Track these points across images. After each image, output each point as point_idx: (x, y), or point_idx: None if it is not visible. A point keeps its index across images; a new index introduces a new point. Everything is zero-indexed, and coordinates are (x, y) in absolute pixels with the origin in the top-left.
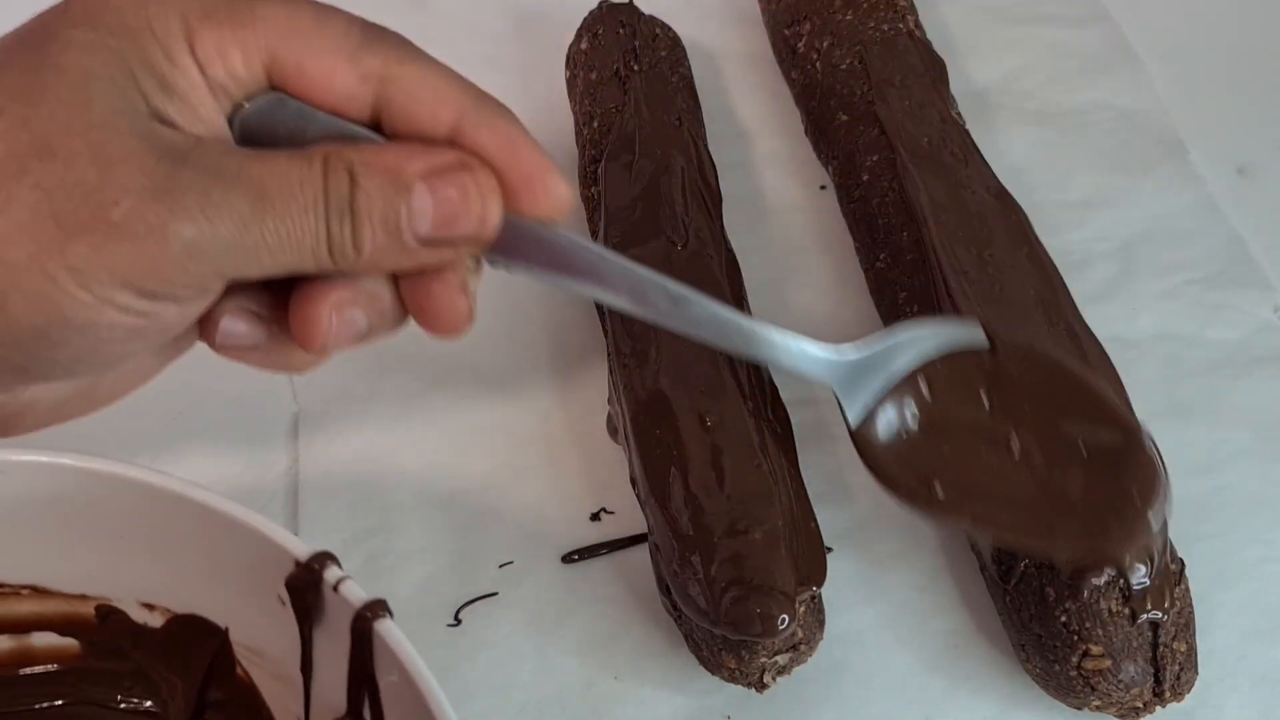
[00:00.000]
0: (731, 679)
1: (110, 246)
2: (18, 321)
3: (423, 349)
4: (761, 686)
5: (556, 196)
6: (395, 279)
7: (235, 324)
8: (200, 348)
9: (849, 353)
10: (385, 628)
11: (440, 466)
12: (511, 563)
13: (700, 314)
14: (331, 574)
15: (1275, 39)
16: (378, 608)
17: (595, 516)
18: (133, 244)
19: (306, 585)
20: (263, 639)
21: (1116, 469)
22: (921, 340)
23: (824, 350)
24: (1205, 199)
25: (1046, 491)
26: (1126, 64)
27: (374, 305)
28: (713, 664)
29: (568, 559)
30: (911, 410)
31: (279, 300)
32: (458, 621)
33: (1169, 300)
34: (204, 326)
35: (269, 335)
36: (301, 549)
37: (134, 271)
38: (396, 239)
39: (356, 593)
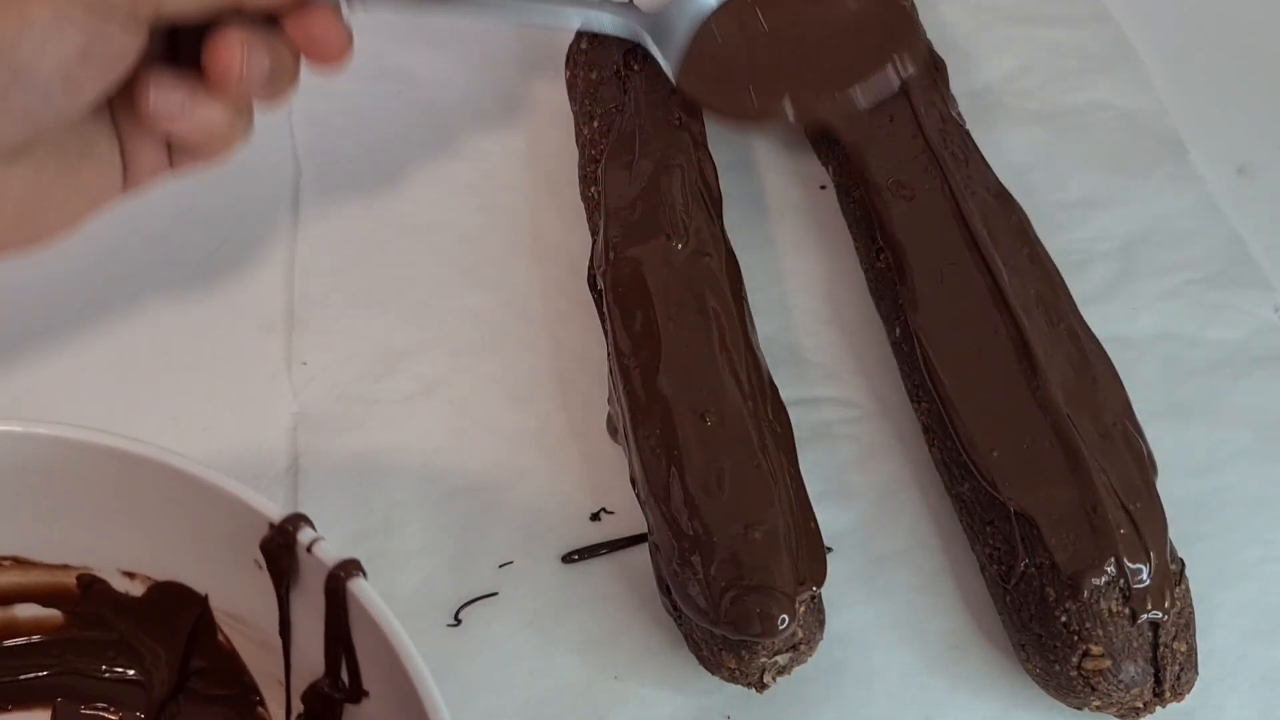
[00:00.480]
0: (731, 679)
1: None
2: None
3: (423, 349)
4: (761, 686)
5: None
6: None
7: (162, 92)
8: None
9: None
10: (358, 586)
11: (440, 466)
12: (511, 563)
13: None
14: (305, 535)
15: (1275, 39)
16: (350, 567)
17: (595, 516)
18: None
19: (281, 547)
20: (242, 604)
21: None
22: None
23: (630, 10)
24: (1205, 199)
25: (837, 54)
26: (1126, 64)
27: (272, 48)
28: (713, 664)
29: (568, 559)
30: (714, 44)
31: (194, 74)
32: (458, 621)
33: (1169, 300)
34: (137, 104)
35: (192, 97)
36: (275, 511)
37: None
38: None
39: (329, 553)
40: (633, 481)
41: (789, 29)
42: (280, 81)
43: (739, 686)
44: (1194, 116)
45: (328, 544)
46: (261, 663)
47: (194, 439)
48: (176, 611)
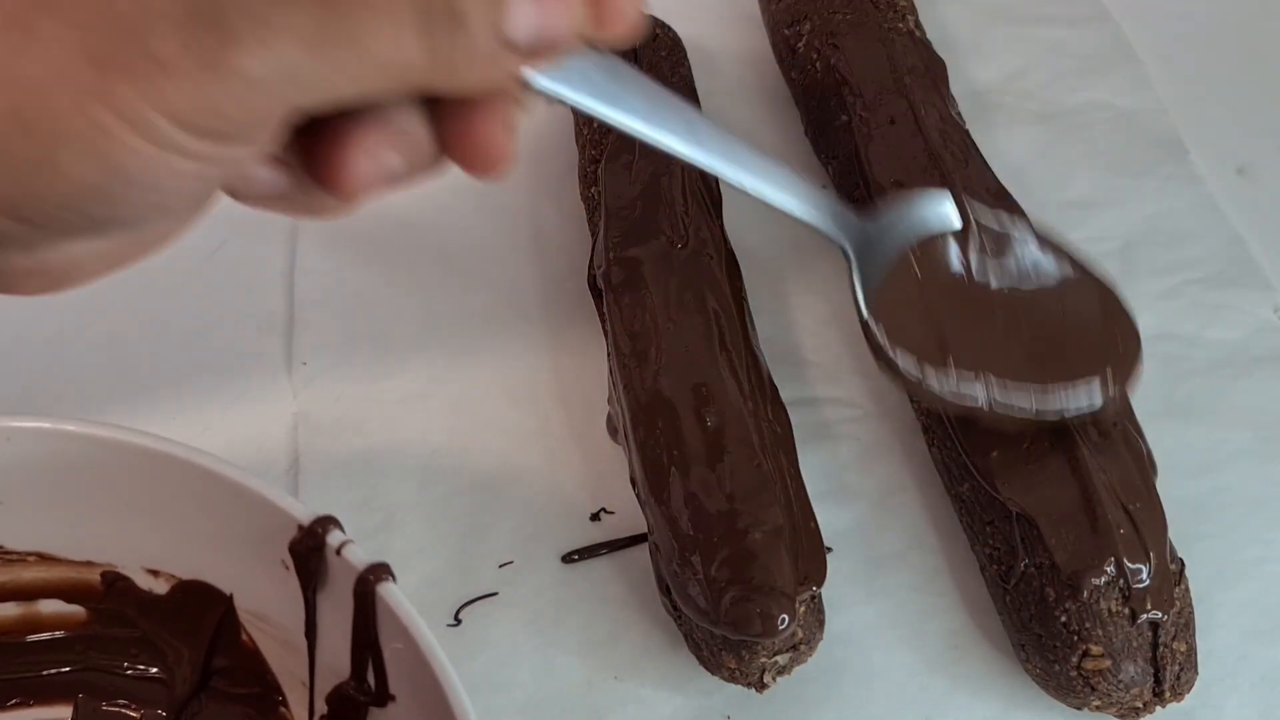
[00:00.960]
0: (731, 679)
1: (159, 85)
2: (70, 180)
3: (423, 349)
4: (761, 686)
5: (630, 16)
6: (432, 115)
7: (260, 170)
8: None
9: (863, 217)
10: (387, 591)
11: (440, 466)
12: (511, 563)
13: (746, 159)
14: (334, 538)
15: (1275, 39)
16: (380, 571)
17: (595, 516)
18: (184, 80)
19: (309, 549)
20: (267, 604)
21: (1099, 323)
22: (908, 217)
23: (846, 207)
24: (1205, 199)
25: (1040, 348)
26: (1126, 64)
27: (408, 144)
28: (713, 664)
29: (568, 559)
30: (907, 287)
31: (303, 144)
32: (458, 621)
33: (1169, 300)
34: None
35: (294, 182)
36: (304, 513)
37: (189, 111)
38: (498, 46)
39: (359, 556)
40: (633, 481)
41: (1000, 293)
42: (411, 180)
43: (739, 686)
44: (1194, 116)
45: (357, 547)
46: (285, 663)
47: (194, 439)
48: (200, 610)
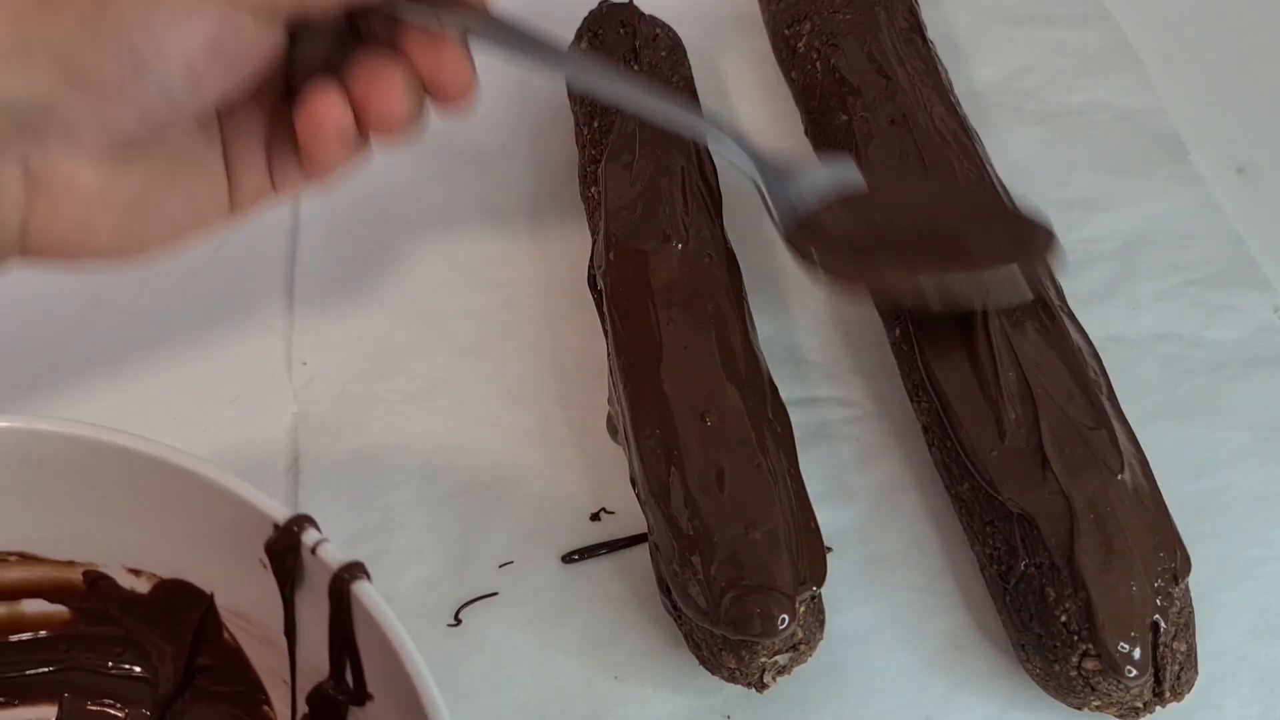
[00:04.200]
0: (731, 679)
1: None
2: (122, 14)
3: (423, 349)
4: (761, 686)
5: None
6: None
7: (324, 102)
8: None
9: (779, 158)
10: (362, 589)
11: (440, 466)
12: (511, 563)
13: (654, 106)
14: (310, 537)
15: (1275, 39)
16: (355, 569)
17: (595, 516)
18: None
19: (285, 548)
20: (247, 603)
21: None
22: (820, 173)
23: (760, 147)
24: (1205, 199)
25: (964, 238)
26: (1126, 64)
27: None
28: (713, 664)
29: (568, 559)
30: (829, 217)
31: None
32: (458, 621)
33: (1169, 300)
34: (298, 114)
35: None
36: (280, 512)
37: None
38: None
39: (334, 555)
40: (633, 481)
41: (919, 217)
42: (412, 118)
43: (739, 686)
44: (1194, 116)
45: (332, 546)
46: (267, 661)
47: (194, 439)
48: (182, 609)
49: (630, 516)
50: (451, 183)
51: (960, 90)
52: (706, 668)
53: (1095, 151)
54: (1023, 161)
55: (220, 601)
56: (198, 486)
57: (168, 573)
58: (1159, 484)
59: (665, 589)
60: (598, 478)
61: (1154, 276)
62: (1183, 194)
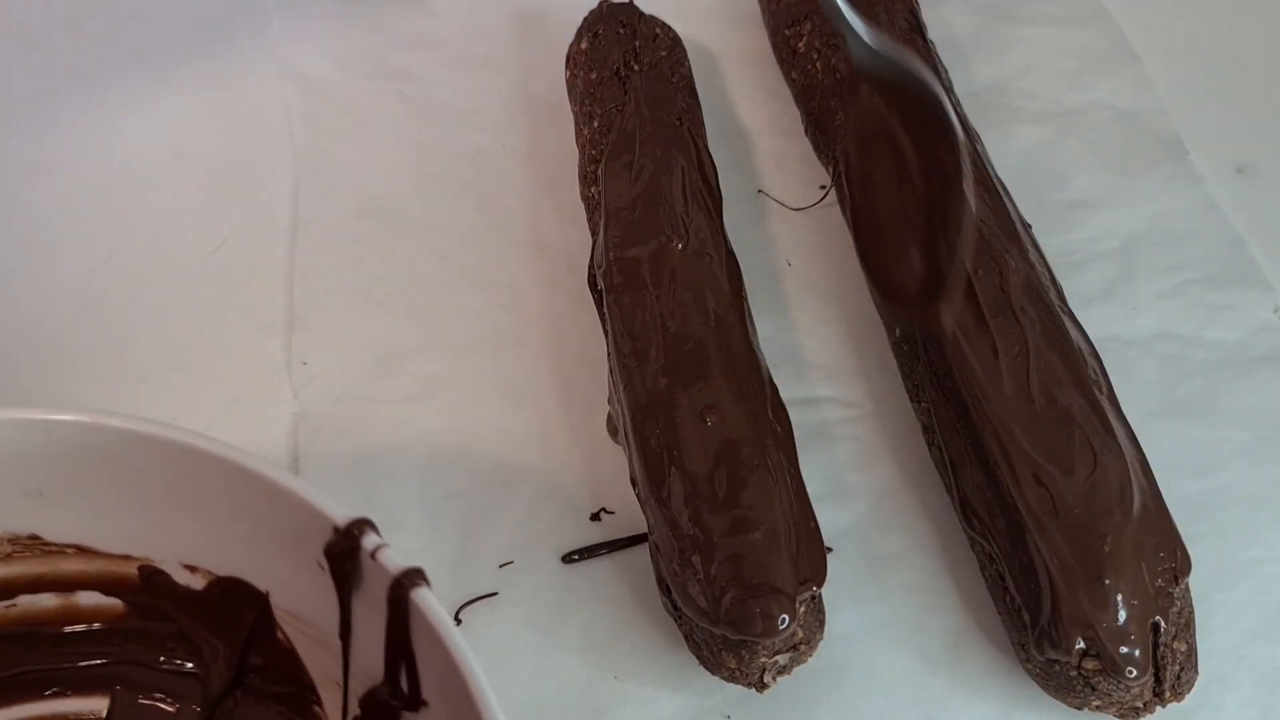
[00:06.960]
0: (731, 679)
1: None
2: None
3: (422, 349)
4: (761, 686)
5: None
6: None
7: None
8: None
9: None
10: (421, 596)
11: (440, 467)
12: (511, 563)
13: None
14: (370, 541)
15: (1275, 39)
16: (415, 576)
17: (595, 516)
18: None
19: (345, 552)
20: (303, 604)
21: None
22: None
23: None
24: (1205, 199)
25: None
26: (1126, 64)
27: None
28: (713, 664)
29: (568, 559)
30: None
31: None
32: (458, 621)
33: (1169, 300)
34: None
35: None
36: (340, 515)
37: None
38: None
39: (394, 560)
40: (633, 481)
41: None
42: None
43: (739, 686)
44: (1194, 116)
45: (392, 551)
46: (320, 662)
47: None
48: (237, 607)
49: (630, 516)
50: (451, 183)
51: (960, 90)
52: (706, 668)
53: (1095, 152)
54: (1023, 161)
55: (275, 601)
56: (258, 486)
57: (224, 570)
58: (1159, 484)
59: (665, 589)
60: (598, 478)
61: (1154, 276)
62: (1182, 194)
